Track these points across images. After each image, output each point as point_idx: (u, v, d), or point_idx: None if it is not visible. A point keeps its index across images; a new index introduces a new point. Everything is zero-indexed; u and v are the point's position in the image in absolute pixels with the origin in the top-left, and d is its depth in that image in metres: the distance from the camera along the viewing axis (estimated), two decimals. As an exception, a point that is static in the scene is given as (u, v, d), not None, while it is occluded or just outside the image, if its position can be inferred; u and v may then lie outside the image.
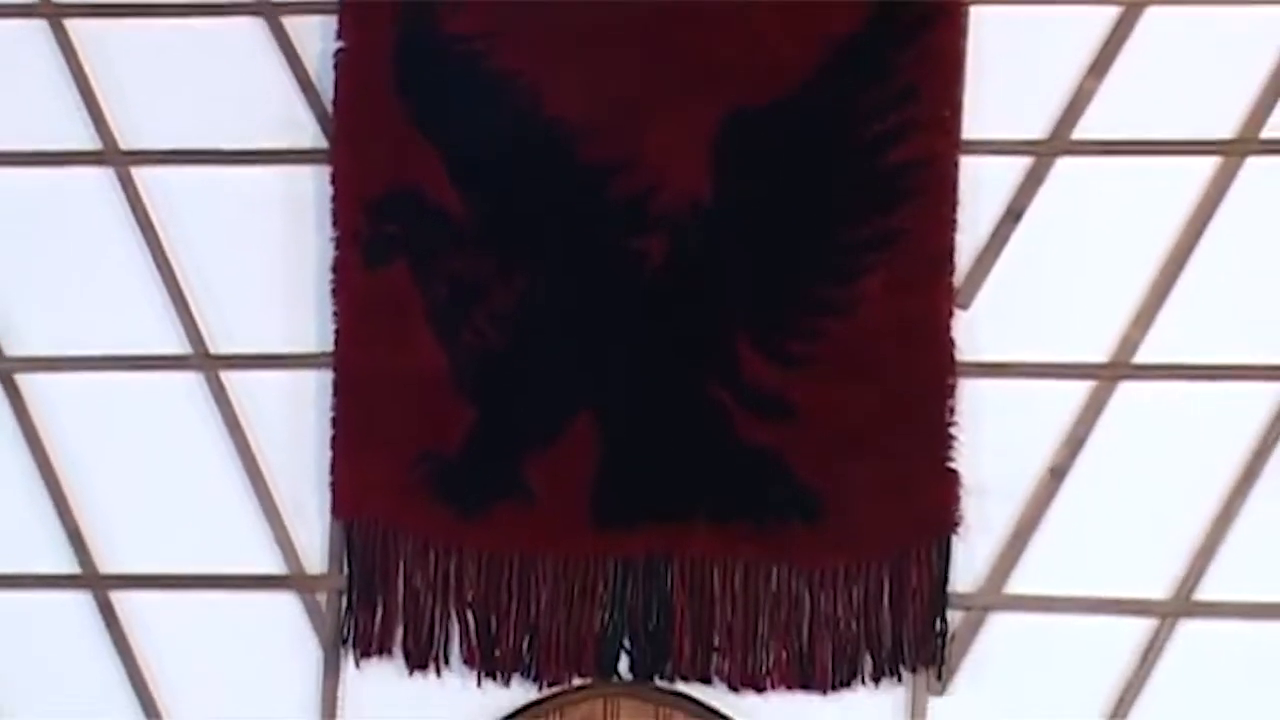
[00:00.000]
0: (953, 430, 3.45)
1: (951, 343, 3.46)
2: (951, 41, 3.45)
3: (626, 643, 3.53)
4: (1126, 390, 3.48)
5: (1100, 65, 3.51)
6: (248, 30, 3.64)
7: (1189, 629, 3.46)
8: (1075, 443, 3.48)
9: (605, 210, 3.51)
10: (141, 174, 3.62)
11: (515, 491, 3.50)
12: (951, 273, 3.47)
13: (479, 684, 3.55)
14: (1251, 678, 3.47)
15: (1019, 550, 3.49)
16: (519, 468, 3.50)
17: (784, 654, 3.49)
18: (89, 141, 3.64)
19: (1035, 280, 3.51)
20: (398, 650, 3.56)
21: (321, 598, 3.61)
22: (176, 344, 3.62)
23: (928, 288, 3.46)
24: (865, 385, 3.45)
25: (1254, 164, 3.49)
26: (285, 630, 3.61)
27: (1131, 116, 3.50)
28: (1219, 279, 3.49)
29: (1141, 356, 3.48)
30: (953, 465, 3.45)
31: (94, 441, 3.65)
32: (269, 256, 3.63)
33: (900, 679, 3.49)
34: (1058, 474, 3.48)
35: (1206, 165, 3.48)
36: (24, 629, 3.68)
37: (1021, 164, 3.49)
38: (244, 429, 3.61)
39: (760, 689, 3.50)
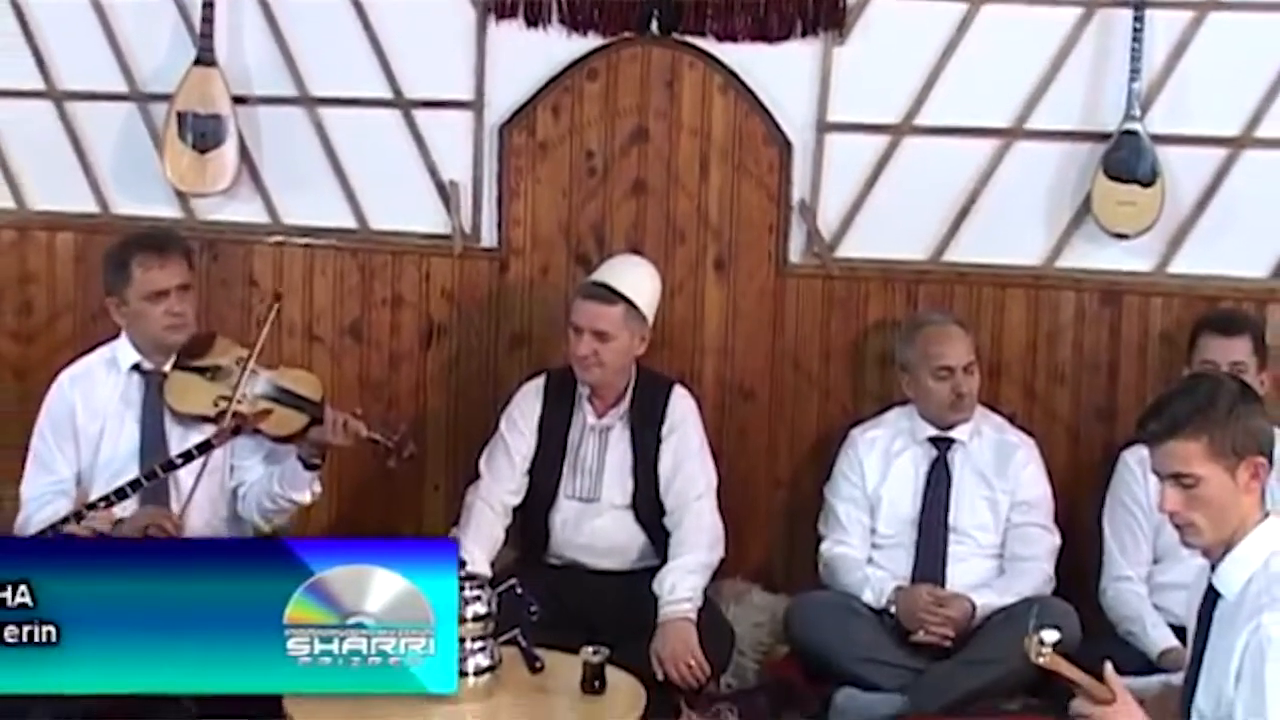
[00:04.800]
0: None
1: None
2: None
3: (656, 11, 5.37)
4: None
5: None
6: None
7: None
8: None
9: None
10: None
11: None
12: None
13: (569, 35, 5.42)
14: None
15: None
16: None
17: (749, 19, 5.36)
18: None
19: None
20: (521, 13, 5.42)
21: (476, -11, 5.48)
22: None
23: None
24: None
25: None
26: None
27: None
28: None
29: None
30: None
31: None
32: None
33: (818, 35, 5.33)
34: None
35: None
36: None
37: None
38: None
39: (735, 40, 5.37)
